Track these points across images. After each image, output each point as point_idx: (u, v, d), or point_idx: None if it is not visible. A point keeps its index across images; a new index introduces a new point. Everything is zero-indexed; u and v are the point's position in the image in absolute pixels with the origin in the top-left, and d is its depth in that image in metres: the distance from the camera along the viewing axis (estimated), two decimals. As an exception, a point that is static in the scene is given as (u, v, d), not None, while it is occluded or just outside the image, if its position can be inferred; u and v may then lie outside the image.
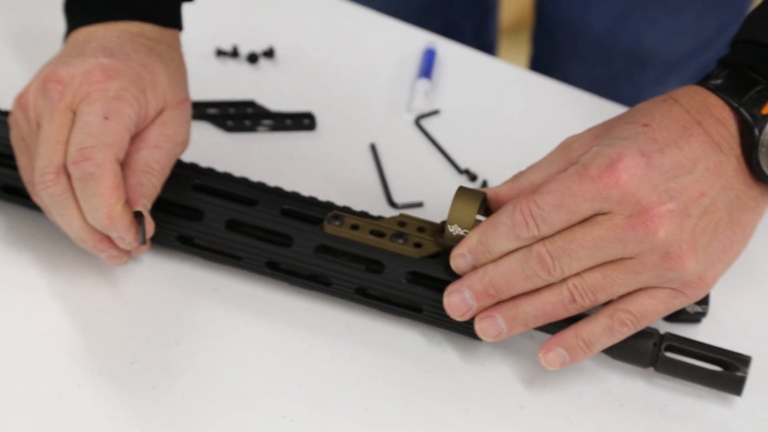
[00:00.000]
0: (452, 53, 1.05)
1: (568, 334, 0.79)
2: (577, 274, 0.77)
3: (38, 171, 0.81)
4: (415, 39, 1.06)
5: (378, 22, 1.08)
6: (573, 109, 1.02)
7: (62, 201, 0.82)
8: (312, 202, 0.86)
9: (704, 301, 0.85)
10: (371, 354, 0.85)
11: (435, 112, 1.01)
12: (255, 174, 0.93)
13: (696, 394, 0.83)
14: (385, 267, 0.83)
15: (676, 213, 0.76)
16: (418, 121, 1.00)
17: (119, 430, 0.80)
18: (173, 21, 0.89)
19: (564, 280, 0.78)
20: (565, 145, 0.81)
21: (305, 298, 0.87)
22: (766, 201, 0.81)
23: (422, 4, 1.30)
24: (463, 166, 0.97)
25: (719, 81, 0.80)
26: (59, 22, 0.98)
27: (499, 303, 0.80)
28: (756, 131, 0.78)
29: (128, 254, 0.85)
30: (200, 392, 0.82)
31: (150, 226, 0.83)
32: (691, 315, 0.86)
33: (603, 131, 0.80)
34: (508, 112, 1.02)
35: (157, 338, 0.85)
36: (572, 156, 0.80)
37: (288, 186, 0.90)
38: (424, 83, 1.02)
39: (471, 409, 0.82)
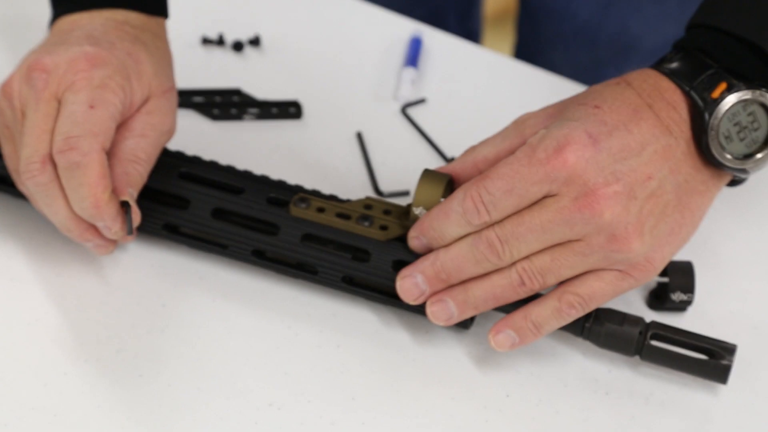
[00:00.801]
0: (438, 42, 1.05)
1: (518, 316, 0.80)
2: (526, 258, 0.78)
3: (24, 160, 0.81)
4: (401, 28, 1.06)
5: (364, 11, 1.08)
6: (558, 97, 1.01)
7: (48, 190, 0.81)
8: (299, 190, 0.86)
9: (689, 290, 0.86)
10: (357, 342, 0.85)
11: (421, 101, 1.01)
12: (241, 162, 0.93)
13: (681, 383, 0.84)
14: (371, 255, 0.83)
15: (622, 195, 0.77)
16: (404, 110, 1.00)
17: (106, 418, 0.80)
18: (159, 9, 0.89)
19: (513, 263, 0.78)
20: (520, 122, 0.82)
21: (291, 287, 0.87)
22: (715, 185, 0.81)
23: None
24: (449, 154, 0.97)
25: (673, 64, 0.80)
26: (44, 10, 0.98)
27: (451, 287, 0.80)
28: (706, 115, 0.79)
29: (114, 243, 0.85)
30: (186, 380, 0.82)
31: (136, 216, 0.83)
32: (677, 304, 0.86)
33: (556, 111, 0.81)
34: (493, 101, 1.02)
35: (143, 326, 0.85)
36: (525, 133, 0.81)
37: (274, 174, 0.90)
38: (410, 72, 1.02)
39: (457, 397, 0.82)
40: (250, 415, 0.81)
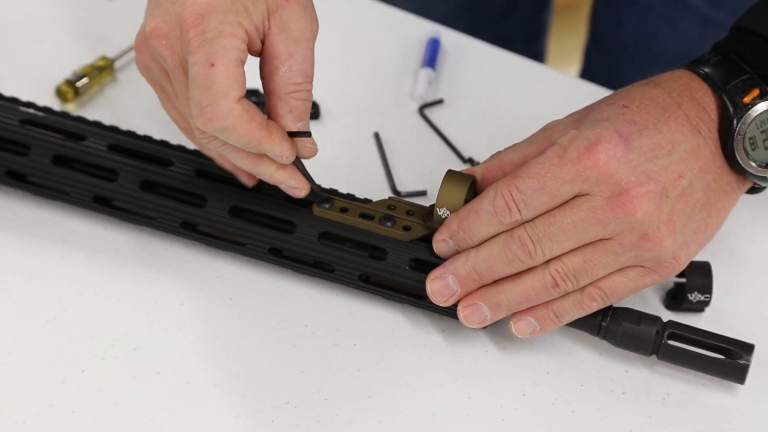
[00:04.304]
0: (456, 43, 1.05)
1: (540, 306, 0.80)
2: (558, 258, 0.78)
3: (196, 131, 0.78)
4: (419, 28, 1.06)
5: (382, 11, 1.08)
6: (576, 99, 1.01)
7: (225, 149, 0.79)
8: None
9: (707, 291, 0.85)
10: (374, 341, 0.85)
11: (439, 101, 1.01)
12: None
13: (698, 382, 0.83)
14: (388, 254, 0.83)
15: (654, 194, 0.77)
16: (422, 110, 1.00)
17: (123, 414, 0.80)
18: None
19: (546, 264, 0.78)
20: (547, 128, 0.82)
21: (308, 285, 0.88)
22: (740, 187, 0.81)
23: (476, 20, 1.30)
24: (466, 154, 0.97)
25: (708, 65, 0.80)
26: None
27: (482, 289, 0.80)
28: (735, 120, 0.79)
29: (306, 186, 0.82)
30: (203, 378, 0.82)
31: (310, 144, 0.80)
32: (694, 304, 0.86)
33: (583, 114, 0.81)
34: (511, 102, 1.02)
35: (160, 324, 0.85)
36: (552, 137, 0.80)
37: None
38: (428, 72, 1.02)
39: (474, 395, 0.82)
40: (266, 412, 0.81)
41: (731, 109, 0.79)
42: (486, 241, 0.79)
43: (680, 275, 0.86)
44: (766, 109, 0.79)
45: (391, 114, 1.00)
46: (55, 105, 0.98)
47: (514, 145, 0.83)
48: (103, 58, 1.00)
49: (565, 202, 0.77)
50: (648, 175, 0.77)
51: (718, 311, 0.87)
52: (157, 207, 0.86)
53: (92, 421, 0.80)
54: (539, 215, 0.78)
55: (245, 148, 0.78)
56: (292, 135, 0.79)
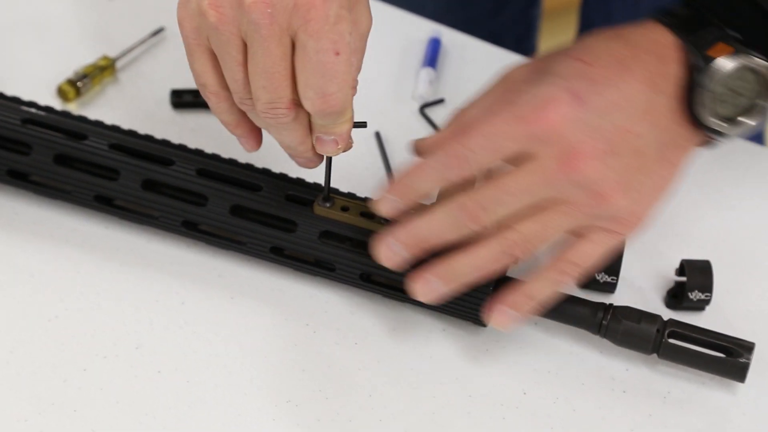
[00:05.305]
0: (457, 42, 1.06)
1: (518, 293, 0.79)
2: (512, 227, 0.77)
3: (266, 104, 0.76)
4: (419, 28, 1.06)
5: (382, 11, 1.08)
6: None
7: (289, 126, 0.78)
8: (318, 188, 0.86)
9: (708, 289, 0.85)
10: (375, 340, 0.85)
11: (440, 101, 1.01)
12: (259, 161, 0.94)
13: (699, 381, 0.83)
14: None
15: (605, 153, 0.77)
16: (422, 110, 1.00)
17: (124, 413, 0.80)
18: None
19: (499, 232, 0.77)
20: (505, 78, 0.81)
21: (309, 284, 0.88)
22: (694, 141, 0.81)
23: (467, 16, 1.30)
24: (467, 154, 0.97)
25: (676, 16, 0.80)
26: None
27: (433, 262, 0.79)
28: (699, 73, 0.78)
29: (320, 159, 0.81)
30: (205, 377, 0.82)
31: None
32: (695, 303, 0.86)
33: (541, 65, 0.80)
34: (512, 101, 1.02)
35: (161, 323, 0.85)
36: (510, 89, 0.80)
37: (293, 173, 0.91)
38: (428, 72, 1.02)
39: (474, 394, 0.82)
40: (267, 411, 0.81)
41: (695, 62, 0.78)
42: (433, 206, 0.78)
43: (681, 273, 0.86)
44: (730, 63, 0.78)
45: (392, 113, 1.00)
46: (57, 104, 0.98)
47: (474, 102, 0.82)
48: (105, 57, 1.00)
49: (514, 164, 0.76)
50: (599, 134, 0.77)
51: (719, 310, 0.87)
52: (158, 206, 0.86)
53: (94, 419, 0.80)
54: (487, 175, 0.77)
55: (330, 132, 0.77)
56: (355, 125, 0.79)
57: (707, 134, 0.81)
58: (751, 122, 0.80)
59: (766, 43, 0.79)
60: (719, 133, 0.80)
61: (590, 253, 0.79)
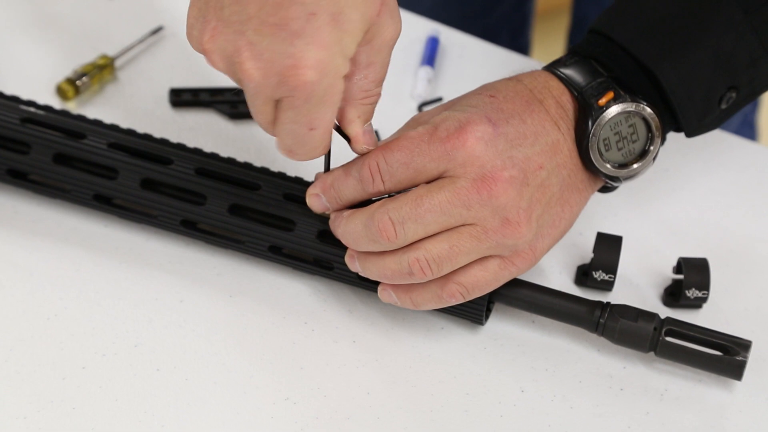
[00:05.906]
0: (455, 41, 1.06)
1: (401, 290, 0.81)
2: (422, 245, 0.78)
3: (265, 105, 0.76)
4: (417, 27, 1.06)
5: (381, 10, 1.08)
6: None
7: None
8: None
9: (705, 287, 0.86)
10: (373, 338, 0.85)
11: (438, 100, 1.01)
12: (259, 160, 0.94)
13: (696, 379, 0.84)
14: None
15: (517, 180, 0.78)
16: (421, 108, 1.01)
17: (123, 411, 0.81)
18: None
19: (408, 248, 0.79)
20: (415, 118, 0.83)
21: (308, 283, 0.88)
22: (592, 186, 0.84)
23: (463, 12, 1.31)
24: (465, 152, 0.98)
25: (567, 68, 0.82)
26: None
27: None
28: (590, 121, 0.81)
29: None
30: (203, 375, 0.83)
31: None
32: (692, 301, 0.86)
33: (452, 102, 0.82)
34: (510, 100, 1.02)
35: (160, 321, 0.85)
36: (422, 120, 0.82)
37: (291, 172, 0.91)
38: (427, 71, 1.02)
39: (472, 392, 0.83)
40: (266, 409, 0.81)
41: (587, 111, 0.81)
42: (355, 213, 0.80)
43: (678, 271, 0.86)
44: (619, 111, 0.81)
45: (391, 112, 1.00)
46: (56, 103, 0.98)
47: (389, 138, 0.83)
48: (104, 56, 1.01)
49: (431, 184, 0.78)
50: (512, 161, 0.78)
51: (716, 308, 0.87)
52: (157, 205, 0.87)
53: (93, 417, 0.80)
54: (402, 193, 0.78)
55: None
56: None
57: (603, 179, 0.83)
58: (643, 167, 0.83)
59: (649, 92, 0.82)
60: (614, 179, 0.83)
61: (481, 280, 0.80)
